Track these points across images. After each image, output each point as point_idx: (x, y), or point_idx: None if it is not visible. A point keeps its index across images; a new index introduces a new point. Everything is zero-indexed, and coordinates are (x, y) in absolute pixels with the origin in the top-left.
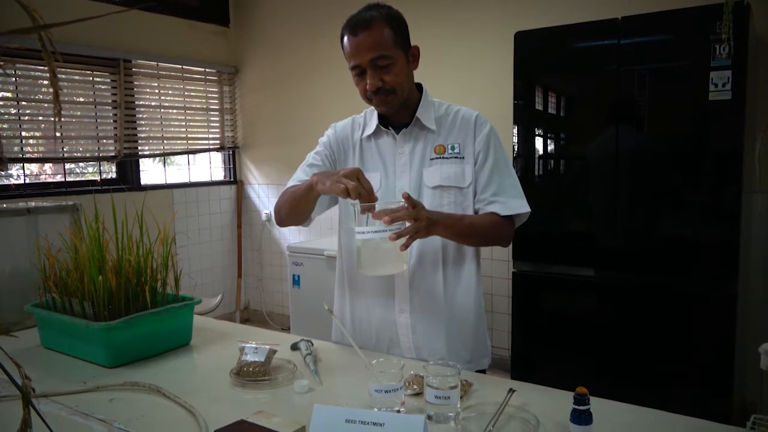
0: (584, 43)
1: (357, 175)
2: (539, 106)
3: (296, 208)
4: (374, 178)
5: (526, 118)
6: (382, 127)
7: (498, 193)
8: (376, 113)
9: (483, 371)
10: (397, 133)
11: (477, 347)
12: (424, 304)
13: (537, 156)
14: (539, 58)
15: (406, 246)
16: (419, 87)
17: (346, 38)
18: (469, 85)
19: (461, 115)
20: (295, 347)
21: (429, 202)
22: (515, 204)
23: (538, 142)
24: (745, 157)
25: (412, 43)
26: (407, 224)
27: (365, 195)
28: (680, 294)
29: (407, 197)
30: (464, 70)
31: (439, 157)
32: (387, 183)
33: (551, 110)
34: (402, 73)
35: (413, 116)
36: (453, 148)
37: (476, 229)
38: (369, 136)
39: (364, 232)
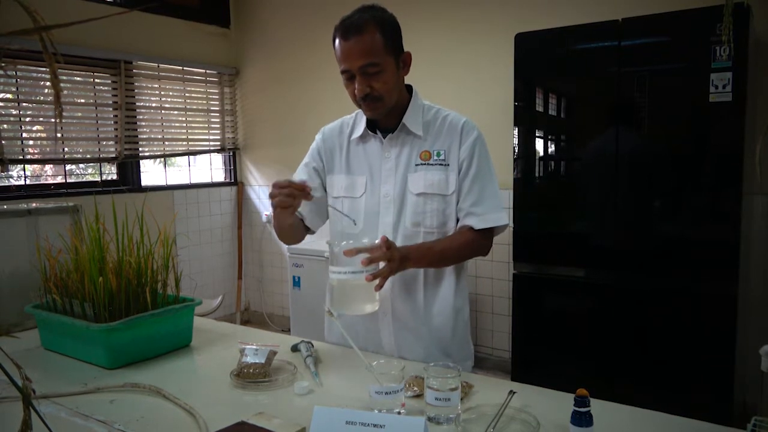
0: (584, 44)
1: (284, 185)
2: (540, 108)
3: (282, 232)
4: (360, 183)
5: (526, 120)
6: (369, 131)
7: (476, 203)
8: (365, 116)
9: None
10: (385, 137)
11: (460, 351)
12: (405, 310)
13: (537, 157)
14: (540, 60)
15: (380, 286)
16: (410, 89)
17: (337, 41)
18: (470, 86)
19: (449, 120)
20: (295, 349)
21: (413, 208)
22: (492, 217)
23: (539, 144)
24: (745, 159)
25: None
26: (381, 264)
27: (296, 194)
28: (681, 296)
29: (385, 240)
30: (465, 72)
31: (425, 164)
32: (372, 187)
33: (551, 112)
34: (391, 80)
35: (401, 121)
36: (438, 154)
37: (448, 253)
38: (357, 139)
39: (339, 273)
